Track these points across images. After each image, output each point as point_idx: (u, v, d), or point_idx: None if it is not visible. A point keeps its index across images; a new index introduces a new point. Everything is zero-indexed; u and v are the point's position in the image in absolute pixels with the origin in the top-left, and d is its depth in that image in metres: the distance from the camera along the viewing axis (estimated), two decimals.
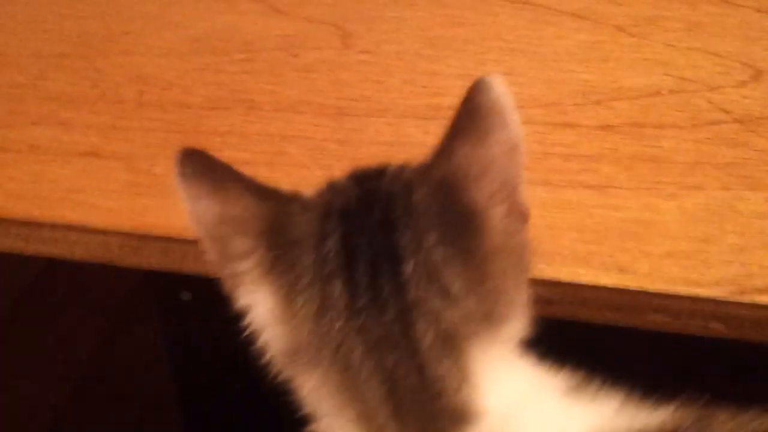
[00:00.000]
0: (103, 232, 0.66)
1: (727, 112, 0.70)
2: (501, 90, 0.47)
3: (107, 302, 1.26)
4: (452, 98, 0.75)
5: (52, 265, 1.11)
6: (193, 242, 0.65)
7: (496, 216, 0.46)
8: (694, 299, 0.58)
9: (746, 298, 0.57)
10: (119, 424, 1.21)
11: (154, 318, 1.30)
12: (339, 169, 0.69)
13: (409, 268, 0.45)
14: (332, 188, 0.51)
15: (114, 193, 0.69)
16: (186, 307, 1.25)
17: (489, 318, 0.46)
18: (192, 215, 0.50)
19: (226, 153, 0.71)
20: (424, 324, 0.45)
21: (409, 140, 0.72)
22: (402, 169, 0.50)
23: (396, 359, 0.45)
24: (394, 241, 0.46)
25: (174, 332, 1.29)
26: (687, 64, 0.75)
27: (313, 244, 0.47)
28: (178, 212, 0.67)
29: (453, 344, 0.45)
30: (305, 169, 0.70)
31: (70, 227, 0.67)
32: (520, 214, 0.48)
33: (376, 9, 0.85)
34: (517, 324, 0.48)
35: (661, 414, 0.45)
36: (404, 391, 0.45)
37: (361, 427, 0.46)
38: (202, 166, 0.50)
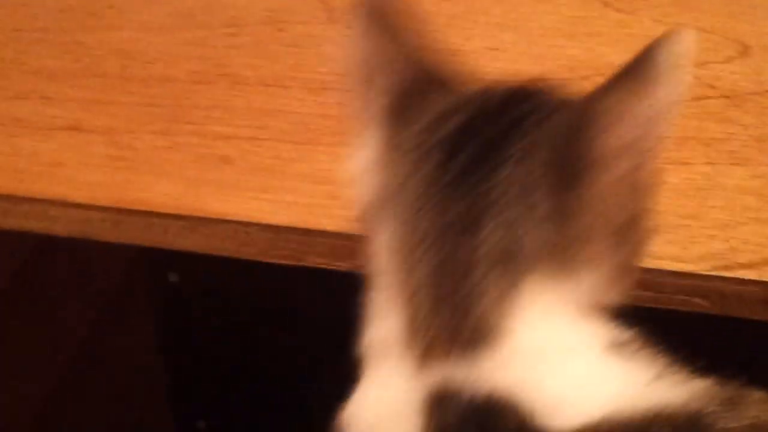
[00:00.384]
0: (84, 207, 0.65)
1: (713, 87, 0.69)
2: (681, 47, 0.45)
3: (96, 287, 1.25)
4: None
5: (39, 252, 1.10)
6: (174, 216, 0.65)
7: (614, 169, 0.44)
8: (678, 274, 0.57)
9: (730, 273, 0.57)
10: (110, 410, 1.21)
11: (143, 301, 1.29)
12: (323, 143, 0.70)
13: (508, 169, 0.44)
14: (483, 88, 0.49)
15: (95, 167, 0.69)
16: (174, 288, 1.25)
17: (561, 258, 0.45)
18: (357, 49, 0.51)
19: (208, 127, 0.71)
20: (493, 226, 0.44)
21: None
22: (553, 95, 0.48)
23: (455, 245, 0.44)
24: (508, 144, 0.45)
25: (163, 314, 1.29)
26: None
27: (436, 115, 0.47)
28: (160, 187, 0.67)
29: (512, 260, 0.44)
30: (289, 144, 0.69)
31: (50, 202, 0.66)
32: (641, 182, 0.45)
33: None
34: (591, 283, 0.46)
35: (690, 390, 0.43)
36: (450, 278, 0.44)
37: (403, 302, 0.46)
38: (385, 9, 0.50)
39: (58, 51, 0.80)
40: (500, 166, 0.44)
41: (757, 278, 0.56)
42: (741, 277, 0.56)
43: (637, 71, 0.44)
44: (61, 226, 0.67)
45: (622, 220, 0.45)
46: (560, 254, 0.44)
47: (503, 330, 0.44)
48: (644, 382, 0.44)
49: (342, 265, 0.63)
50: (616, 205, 0.45)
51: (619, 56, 0.73)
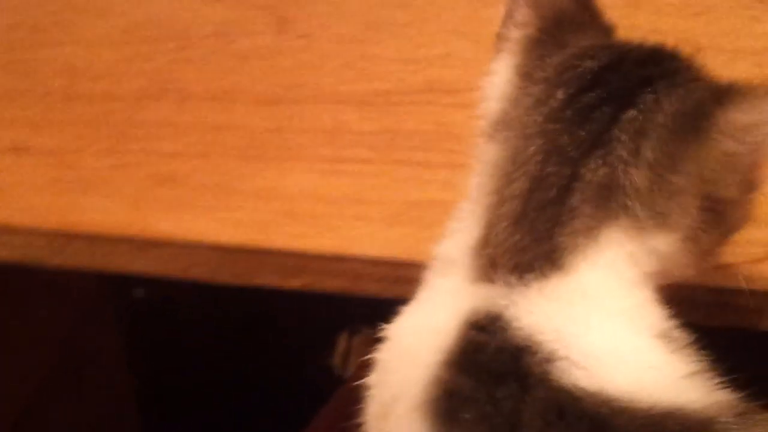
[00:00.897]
0: (26, 232, 0.64)
1: None
2: None
3: (62, 305, 1.24)
4: (391, 83, 0.74)
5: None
6: (120, 239, 0.63)
7: (728, 145, 0.44)
8: None
9: None
10: (80, 423, 1.20)
11: (109, 317, 1.28)
12: (272, 158, 0.68)
13: (630, 114, 0.45)
14: (622, 42, 0.52)
15: (39, 190, 0.67)
16: (140, 303, 1.23)
17: (650, 208, 0.45)
18: None
19: (156, 144, 0.69)
20: (600, 159, 0.45)
21: (346, 127, 0.70)
22: (688, 64, 0.50)
23: (558, 170, 0.45)
24: (637, 95, 0.46)
25: (129, 330, 1.27)
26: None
27: (572, 55, 0.49)
28: (106, 208, 0.66)
29: (606, 196, 0.45)
30: (238, 160, 0.68)
31: None
32: (747, 171, 0.46)
33: None
34: (669, 247, 0.46)
35: (713, 398, 0.43)
36: (542, 199, 0.45)
37: (488, 213, 0.47)
38: None
39: (2, 70, 0.79)
40: (623, 110, 0.46)
41: None
42: None
43: None
44: (5, 252, 0.65)
45: (719, 197, 0.46)
46: (651, 204, 0.45)
47: (571, 266, 0.44)
48: (676, 377, 0.43)
49: (294, 283, 0.62)
50: (718, 179, 0.45)
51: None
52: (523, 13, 0.51)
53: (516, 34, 0.51)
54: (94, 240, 0.63)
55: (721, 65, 0.71)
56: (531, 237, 0.45)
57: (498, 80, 0.51)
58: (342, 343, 1.15)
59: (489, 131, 0.50)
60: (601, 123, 0.46)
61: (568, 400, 0.41)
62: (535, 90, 0.48)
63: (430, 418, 0.43)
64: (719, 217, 0.46)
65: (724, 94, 0.45)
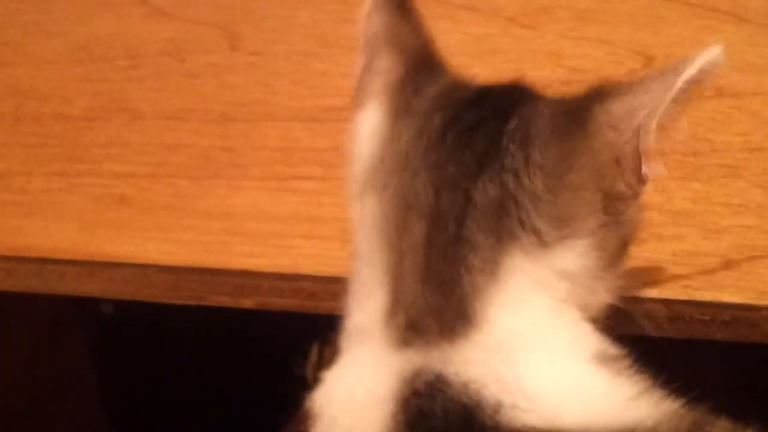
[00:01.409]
0: None
1: None
2: (705, 59, 0.43)
3: (28, 320, 1.22)
4: (342, 99, 0.74)
5: None
6: (69, 262, 0.62)
7: (607, 135, 0.44)
8: None
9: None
10: None
11: (77, 333, 1.26)
12: (224, 177, 0.68)
13: (512, 124, 0.45)
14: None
15: None
16: (108, 319, 1.22)
17: (550, 214, 0.44)
18: (369, 23, 0.51)
19: (105, 166, 0.68)
20: (489, 176, 0.44)
21: (297, 144, 0.70)
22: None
23: (449, 205, 0.44)
24: (513, 107, 0.47)
25: (98, 346, 1.26)
26: (578, 54, 0.74)
27: (438, 91, 0.49)
28: (55, 231, 0.65)
29: (503, 211, 0.44)
30: (188, 179, 0.67)
31: None
32: (635, 170, 0.45)
33: (265, 8, 0.83)
34: (580, 259, 0.45)
35: (662, 412, 0.43)
36: (438, 246, 0.44)
37: (388, 275, 0.46)
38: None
39: None
40: (504, 122, 0.45)
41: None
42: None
43: (653, 73, 0.45)
44: None
45: (614, 192, 0.45)
46: (551, 210, 0.44)
47: (482, 314, 0.44)
48: (624, 399, 0.43)
49: (246, 303, 0.61)
50: (608, 173, 0.45)
51: (523, 73, 0.73)
52: (387, 59, 0.51)
53: (381, 80, 0.50)
54: (44, 263, 0.62)
55: None
56: (440, 291, 0.44)
57: (365, 131, 0.50)
58: (313, 353, 1.14)
59: (364, 186, 0.48)
60: (485, 140, 0.45)
61: None
62: (413, 122, 0.48)
63: None
64: (618, 216, 0.45)
65: (599, 91, 0.45)
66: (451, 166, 0.45)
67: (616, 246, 0.46)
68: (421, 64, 0.50)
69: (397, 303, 0.45)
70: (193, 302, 0.62)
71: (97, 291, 0.63)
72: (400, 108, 0.49)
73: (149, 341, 1.21)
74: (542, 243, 0.44)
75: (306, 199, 0.64)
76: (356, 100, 0.52)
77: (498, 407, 0.42)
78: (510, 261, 0.44)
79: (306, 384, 1.12)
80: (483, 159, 0.45)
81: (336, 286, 0.60)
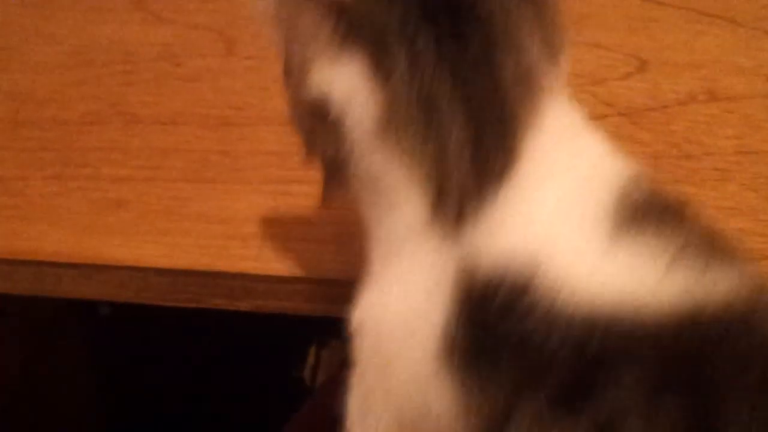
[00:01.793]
0: None
1: (611, 105, 0.69)
2: None
3: (26, 321, 1.23)
4: None
5: None
6: (67, 265, 0.63)
7: None
8: None
9: None
10: None
11: (76, 334, 1.27)
12: (222, 181, 0.68)
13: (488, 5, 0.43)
14: None
15: None
16: (106, 321, 1.22)
17: (550, 58, 0.45)
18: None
19: (103, 170, 0.69)
20: (507, 57, 0.43)
21: (294, 148, 0.70)
22: None
23: (475, 80, 0.43)
24: None
25: (95, 347, 1.26)
26: (573, 58, 0.74)
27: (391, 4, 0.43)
28: (53, 235, 0.65)
29: (532, 80, 0.44)
30: (186, 183, 0.68)
31: None
32: None
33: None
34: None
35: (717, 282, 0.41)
36: (485, 122, 0.43)
37: (427, 173, 0.43)
38: None
39: None
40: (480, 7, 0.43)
41: None
42: None
43: None
44: None
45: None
46: (549, 55, 0.45)
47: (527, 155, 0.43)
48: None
49: (242, 305, 0.62)
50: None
51: None
52: (306, 19, 0.45)
53: (320, 37, 0.45)
54: (41, 266, 0.63)
55: (666, 79, 0.73)
56: (491, 159, 0.43)
57: (346, 84, 0.45)
58: (311, 355, 1.14)
59: (381, 138, 0.44)
60: (476, 31, 0.43)
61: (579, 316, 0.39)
62: (399, 54, 0.43)
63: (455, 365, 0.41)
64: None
65: None
66: (460, 68, 0.43)
67: None
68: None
69: (443, 193, 0.43)
70: (190, 305, 0.62)
71: (94, 294, 0.64)
72: (365, 45, 0.44)
73: (146, 343, 1.21)
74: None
75: (303, 203, 0.64)
76: (296, 82, 0.48)
77: (555, 288, 0.40)
78: (543, 104, 0.44)
79: (304, 386, 1.13)
80: (489, 40, 0.43)
81: (333, 289, 0.60)
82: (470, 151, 0.43)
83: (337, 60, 0.44)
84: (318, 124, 0.47)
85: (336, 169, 0.48)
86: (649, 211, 0.43)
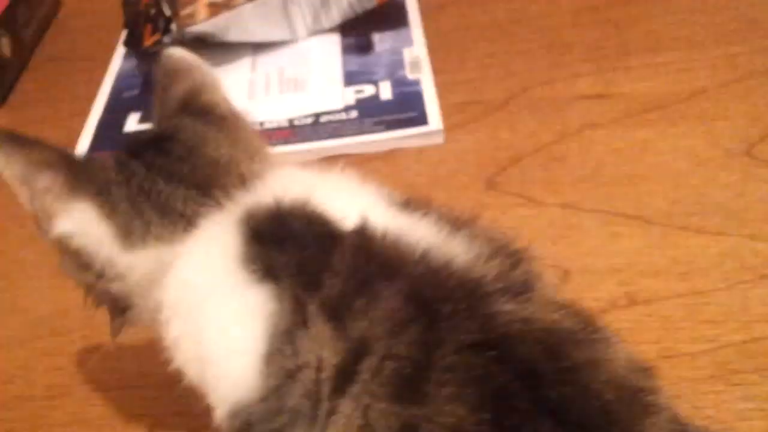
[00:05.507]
0: None
1: None
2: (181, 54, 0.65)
3: None
4: None
5: None
6: None
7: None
8: None
9: None
10: None
11: None
12: None
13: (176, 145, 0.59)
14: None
15: None
16: None
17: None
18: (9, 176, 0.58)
19: None
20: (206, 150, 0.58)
21: None
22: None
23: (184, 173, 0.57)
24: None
25: None
26: None
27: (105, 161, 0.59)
28: None
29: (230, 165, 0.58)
30: None
31: None
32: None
33: None
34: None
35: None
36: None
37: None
38: (11, 138, 0.58)
39: None
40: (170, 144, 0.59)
41: None
42: None
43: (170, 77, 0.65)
44: None
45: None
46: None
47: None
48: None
49: None
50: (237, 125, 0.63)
51: None
52: (42, 179, 0.57)
53: (53, 191, 0.57)
54: None
55: (588, 288, 0.77)
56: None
57: (82, 220, 0.57)
58: None
59: (123, 249, 0.56)
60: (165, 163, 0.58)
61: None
62: (119, 187, 0.57)
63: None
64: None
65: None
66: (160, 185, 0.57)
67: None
68: (67, 161, 0.58)
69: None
70: None
71: None
72: (93, 191, 0.57)
73: None
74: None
75: None
76: (43, 231, 0.59)
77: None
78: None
79: None
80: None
81: None
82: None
83: (69, 206, 0.57)
84: (75, 262, 0.58)
85: (111, 301, 0.60)
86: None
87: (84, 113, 1.13)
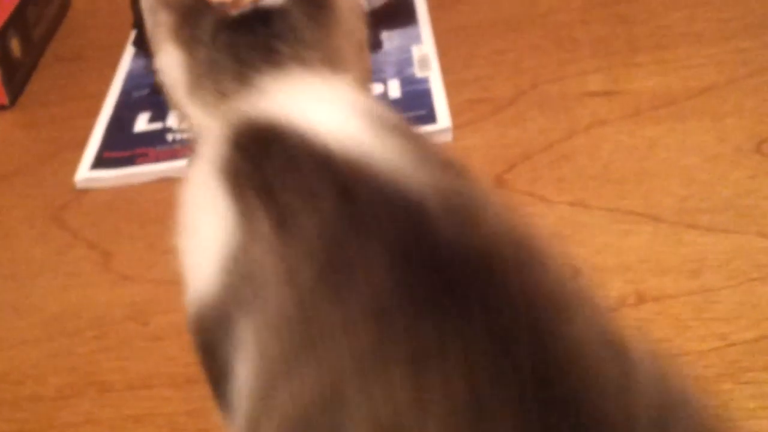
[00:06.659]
0: None
1: None
2: None
3: None
4: None
5: None
6: None
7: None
8: None
9: None
10: None
11: None
12: None
13: (277, 24, 0.60)
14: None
15: None
16: None
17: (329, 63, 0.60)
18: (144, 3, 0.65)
19: None
20: (279, 21, 0.60)
21: None
22: None
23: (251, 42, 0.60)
24: (273, 18, 0.61)
25: None
26: None
27: (208, 16, 0.62)
28: None
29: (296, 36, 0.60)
30: None
31: None
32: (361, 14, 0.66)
33: None
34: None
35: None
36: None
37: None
38: None
39: None
40: (269, 23, 0.61)
41: None
42: None
43: None
44: None
45: (357, 39, 0.64)
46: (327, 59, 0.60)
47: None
48: None
49: None
50: (352, 28, 0.64)
51: None
52: (162, 15, 0.63)
53: (164, 29, 0.63)
54: None
55: (596, 285, 0.77)
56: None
57: (172, 63, 0.62)
58: None
59: (189, 99, 0.61)
60: (263, 39, 0.60)
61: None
62: (203, 49, 0.61)
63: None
64: (361, 52, 0.65)
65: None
66: (242, 51, 0.60)
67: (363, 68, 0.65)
68: (188, 11, 0.63)
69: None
70: None
71: None
72: (186, 40, 0.62)
73: None
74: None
75: None
76: (153, 47, 0.65)
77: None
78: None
79: None
80: (264, 56, 0.59)
81: None
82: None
83: (168, 48, 0.63)
84: None
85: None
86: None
87: (94, 113, 1.14)
